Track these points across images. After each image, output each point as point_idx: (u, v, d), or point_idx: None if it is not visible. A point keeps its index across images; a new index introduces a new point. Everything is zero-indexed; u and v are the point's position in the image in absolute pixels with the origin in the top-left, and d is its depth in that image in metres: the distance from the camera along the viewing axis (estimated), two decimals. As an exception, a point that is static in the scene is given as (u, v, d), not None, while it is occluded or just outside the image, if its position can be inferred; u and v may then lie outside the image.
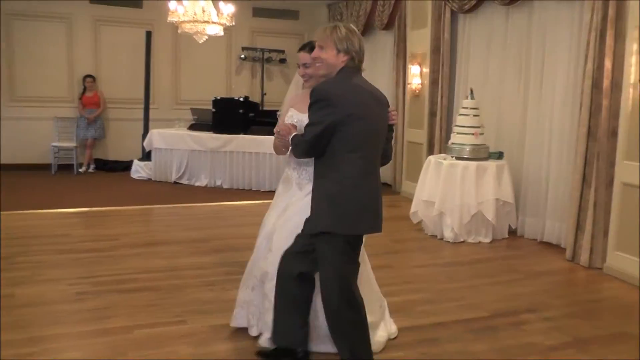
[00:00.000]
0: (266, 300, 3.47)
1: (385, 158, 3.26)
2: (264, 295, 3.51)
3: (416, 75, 8.76)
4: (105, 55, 10.93)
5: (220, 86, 11.18)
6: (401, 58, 9.22)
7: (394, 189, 9.47)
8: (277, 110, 9.71)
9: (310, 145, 2.96)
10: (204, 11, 7.67)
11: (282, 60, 11.87)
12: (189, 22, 7.82)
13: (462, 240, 6.40)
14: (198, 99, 10.86)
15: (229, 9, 8.04)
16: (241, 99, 9.44)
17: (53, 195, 8.56)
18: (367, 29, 10.09)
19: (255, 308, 3.62)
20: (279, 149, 3.44)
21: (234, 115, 9.21)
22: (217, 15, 7.99)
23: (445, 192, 6.41)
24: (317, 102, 2.91)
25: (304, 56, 3.40)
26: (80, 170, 10.57)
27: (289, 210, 3.48)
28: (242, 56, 11.61)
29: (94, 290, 4.58)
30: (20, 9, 10.33)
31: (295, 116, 3.38)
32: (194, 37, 8.22)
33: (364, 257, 3.56)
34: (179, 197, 8.55)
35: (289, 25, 11.96)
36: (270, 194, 8.64)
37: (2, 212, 7.02)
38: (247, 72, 11.86)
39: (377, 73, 10.16)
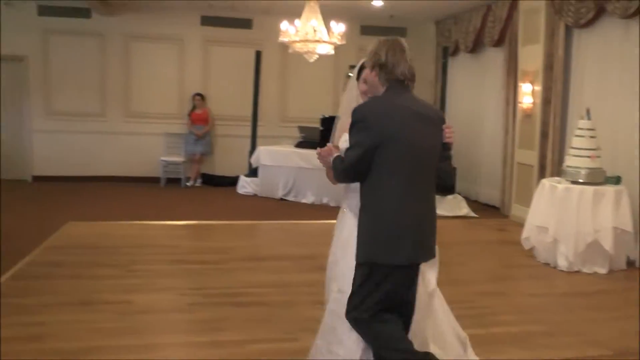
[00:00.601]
0: None
1: (443, 179, 2.95)
2: None
3: (527, 94, 8.43)
4: (214, 74, 11.32)
5: (326, 104, 11.23)
6: (512, 76, 8.91)
7: (502, 212, 9.11)
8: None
9: (350, 169, 2.76)
10: (315, 31, 7.72)
11: (389, 79, 11.73)
12: (300, 41, 7.90)
13: (576, 269, 6.00)
14: (304, 117, 10.96)
15: (340, 28, 8.06)
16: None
17: (162, 208, 8.90)
18: (476, 45, 9.88)
19: None
20: (330, 176, 3.08)
21: (343, 132, 9.16)
22: (328, 34, 8.03)
23: (559, 218, 6.06)
24: (356, 123, 2.74)
25: (366, 71, 3.13)
26: (187, 184, 10.95)
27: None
28: (350, 74, 11.57)
29: (205, 301, 4.65)
30: (137, 31, 10.99)
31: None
32: (305, 56, 8.30)
33: (426, 289, 3.20)
34: (286, 213, 8.64)
35: (394, 43, 11.84)
36: None
37: (117, 222, 7.37)
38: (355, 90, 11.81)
39: (486, 91, 9.91)
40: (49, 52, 10.85)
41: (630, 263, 6.28)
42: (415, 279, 2.89)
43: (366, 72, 2.92)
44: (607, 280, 5.84)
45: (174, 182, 10.95)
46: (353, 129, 2.74)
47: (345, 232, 3.09)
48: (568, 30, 7.71)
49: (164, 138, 11.11)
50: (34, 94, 10.90)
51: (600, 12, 7.03)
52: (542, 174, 7.91)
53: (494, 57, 9.64)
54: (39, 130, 10.94)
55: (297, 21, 7.97)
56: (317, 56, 8.19)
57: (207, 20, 11.18)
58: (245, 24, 11.12)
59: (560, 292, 5.47)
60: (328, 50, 8.13)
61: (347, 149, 2.78)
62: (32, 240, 6.44)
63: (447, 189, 3.07)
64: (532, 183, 8.17)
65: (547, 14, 7.92)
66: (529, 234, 6.45)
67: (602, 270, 6.02)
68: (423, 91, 11.95)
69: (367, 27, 11.41)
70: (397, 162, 2.71)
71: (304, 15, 7.97)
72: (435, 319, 3.36)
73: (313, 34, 7.74)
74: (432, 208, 2.89)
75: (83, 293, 4.80)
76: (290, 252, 6.38)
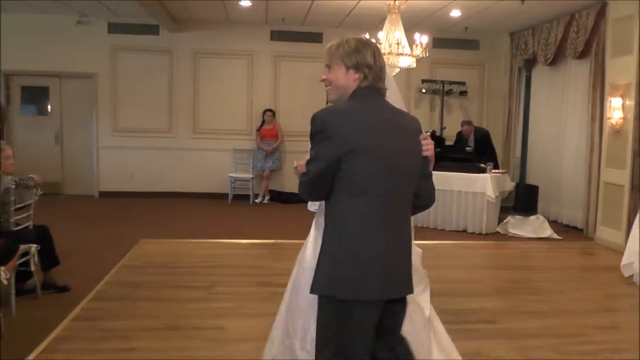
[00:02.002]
0: None
1: (423, 200, 2.52)
2: None
3: (617, 109, 7.94)
4: (283, 90, 11.20)
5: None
6: (598, 89, 8.42)
7: (586, 234, 8.59)
8: (465, 145, 9.42)
9: (311, 185, 2.37)
10: (398, 43, 7.45)
11: (463, 93, 11.39)
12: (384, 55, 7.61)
13: None
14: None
15: (424, 39, 7.78)
16: (428, 133, 9.07)
17: (232, 225, 8.75)
18: (557, 57, 9.42)
19: None
20: None
21: (420, 150, 8.84)
22: (413, 46, 7.74)
23: None
24: (317, 133, 2.32)
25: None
26: (256, 200, 10.79)
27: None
28: (423, 90, 11.32)
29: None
30: (206, 47, 10.98)
31: None
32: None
33: (423, 317, 2.93)
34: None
35: (470, 56, 11.54)
36: (458, 234, 8.42)
37: (190, 240, 7.23)
38: (426, 105, 11.54)
39: (567, 106, 9.45)
40: (118, 69, 10.94)
41: None
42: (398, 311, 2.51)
43: (335, 72, 2.43)
44: None
45: (241, 198, 10.81)
46: (313, 139, 2.34)
47: (308, 253, 2.93)
48: (666, 40, 7.26)
49: (232, 154, 11.02)
50: (101, 111, 10.98)
51: None
52: (635, 195, 7.43)
53: (577, 70, 9.17)
54: (106, 147, 11.01)
55: (380, 34, 7.71)
56: (398, 70, 7.90)
57: (276, 35, 11.10)
58: (315, 37, 10.95)
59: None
60: (410, 63, 7.83)
61: (307, 162, 2.38)
62: (106, 257, 6.38)
63: (425, 208, 2.61)
64: (622, 204, 7.69)
65: (643, 22, 7.47)
66: (631, 260, 6.01)
67: None
68: (495, 106, 11.55)
69: (439, 39, 11.09)
70: (365, 178, 2.29)
71: (386, 27, 7.71)
72: (440, 340, 3.10)
73: (396, 47, 7.46)
74: (407, 234, 2.47)
75: (170, 317, 4.63)
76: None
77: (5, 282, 4.26)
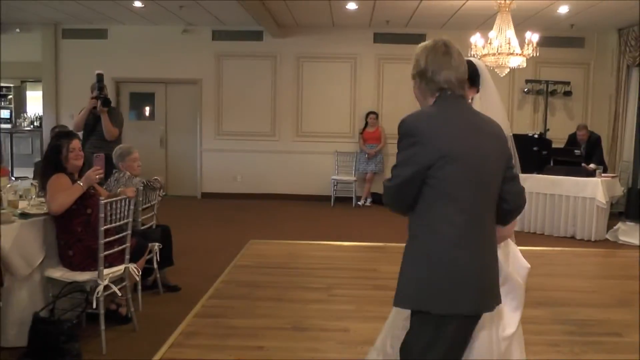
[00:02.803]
0: None
1: (510, 202, 2.36)
2: None
3: None
4: (386, 92, 11.11)
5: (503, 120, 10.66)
6: None
7: None
8: (575, 148, 9.00)
9: (397, 191, 2.23)
10: (509, 43, 7.19)
11: (567, 93, 10.89)
12: (492, 54, 7.37)
13: None
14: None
15: (534, 37, 7.47)
16: (535, 136, 8.77)
17: (338, 227, 8.70)
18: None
19: None
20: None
21: (528, 153, 8.52)
22: (526, 45, 7.45)
23: None
24: (405, 137, 2.19)
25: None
26: (358, 203, 10.74)
27: None
28: (525, 90, 10.91)
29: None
30: (308, 51, 11.09)
31: None
32: (496, 70, 7.76)
33: (503, 333, 2.70)
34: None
35: (575, 54, 11.02)
36: (566, 240, 8.01)
37: (299, 242, 7.30)
38: (529, 106, 11.13)
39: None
40: (222, 75, 11.21)
41: None
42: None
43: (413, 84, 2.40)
44: None
45: (343, 200, 10.79)
46: (400, 144, 2.22)
47: None
48: None
49: (334, 157, 11.04)
50: (205, 115, 11.28)
51: None
52: None
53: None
54: (209, 150, 11.31)
55: (491, 32, 7.47)
56: (508, 70, 7.63)
57: (380, 38, 11.04)
58: (418, 39, 10.77)
59: None
60: (520, 62, 7.55)
61: (393, 167, 2.26)
62: (217, 258, 6.48)
63: (517, 212, 2.42)
64: None
65: None
66: None
67: None
68: (600, 107, 10.97)
69: (544, 37, 10.62)
70: (457, 185, 2.16)
71: (497, 26, 7.46)
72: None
73: (507, 47, 7.20)
74: (495, 242, 2.34)
75: (293, 317, 4.62)
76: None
77: (137, 278, 4.38)
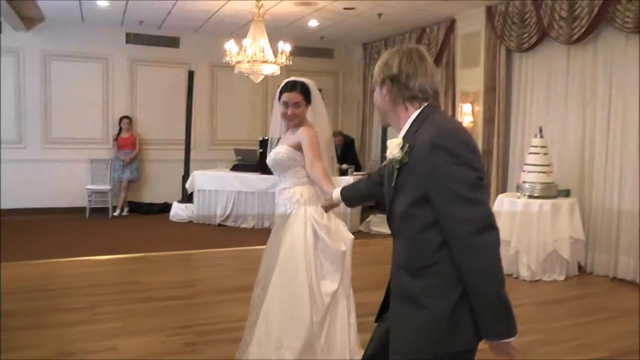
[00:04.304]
0: None
1: None
2: None
3: (468, 114, 8.65)
4: (141, 96, 10.69)
5: (257, 126, 11.04)
6: (449, 96, 9.12)
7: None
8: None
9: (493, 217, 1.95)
10: (263, 51, 7.49)
11: (321, 99, 11.76)
12: (248, 62, 7.58)
13: (538, 278, 6.36)
14: (235, 139, 10.71)
15: (287, 47, 7.88)
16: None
17: (96, 240, 8.19)
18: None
19: None
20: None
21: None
22: (279, 54, 7.80)
23: (521, 230, 6.41)
24: (468, 155, 1.93)
25: (295, 96, 3.41)
26: (114, 213, 10.19)
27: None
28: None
29: (203, 340, 4.30)
30: (58, 50, 10.13)
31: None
32: (250, 77, 8.01)
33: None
34: (231, 240, 8.23)
35: (325, 64, 11.84)
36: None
37: (56, 260, 6.76)
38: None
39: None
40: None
41: (580, 268, 6.75)
42: None
43: (375, 93, 2.21)
44: (569, 287, 6.19)
45: (99, 211, 10.12)
46: (464, 163, 1.90)
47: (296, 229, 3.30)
48: (509, 53, 8.05)
49: (89, 165, 10.34)
50: None
51: (542, 38, 7.34)
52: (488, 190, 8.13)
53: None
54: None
55: (245, 40, 7.70)
56: (262, 77, 7.96)
57: (133, 39, 10.59)
58: (173, 42, 10.71)
59: (538, 301, 5.64)
60: (274, 70, 7.92)
61: (463, 192, 1.88)
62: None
63: None
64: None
65: (488, 38, 8.18)
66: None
67: (561, 277, 6.45)
68: (350, 112, 12.01)
69: (297, 47, 11.18)
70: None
71: (251, 34, 7.72)
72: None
73: (261, 54, 7.50)
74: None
75: (57, 343, 4.22)
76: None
77: None
